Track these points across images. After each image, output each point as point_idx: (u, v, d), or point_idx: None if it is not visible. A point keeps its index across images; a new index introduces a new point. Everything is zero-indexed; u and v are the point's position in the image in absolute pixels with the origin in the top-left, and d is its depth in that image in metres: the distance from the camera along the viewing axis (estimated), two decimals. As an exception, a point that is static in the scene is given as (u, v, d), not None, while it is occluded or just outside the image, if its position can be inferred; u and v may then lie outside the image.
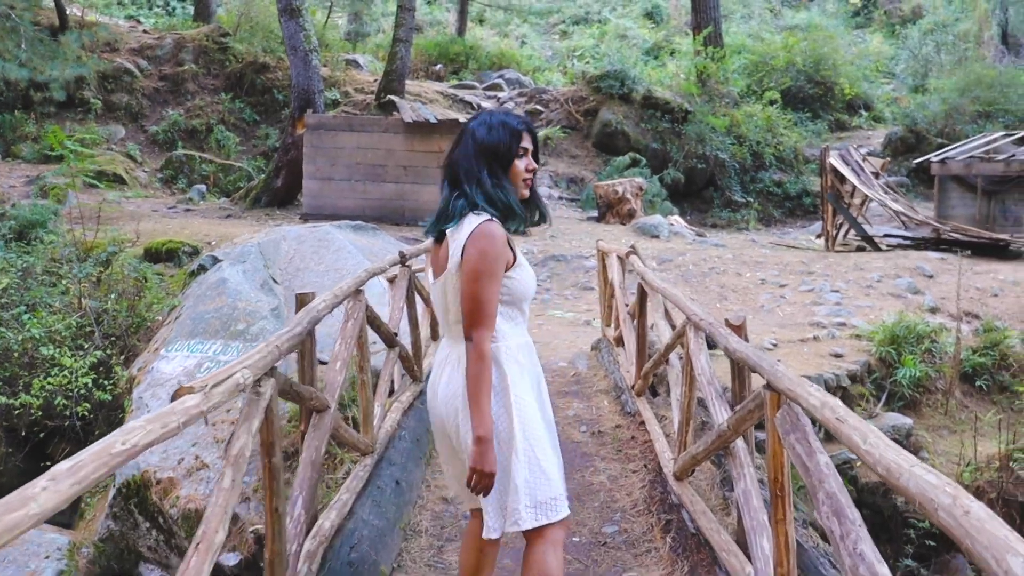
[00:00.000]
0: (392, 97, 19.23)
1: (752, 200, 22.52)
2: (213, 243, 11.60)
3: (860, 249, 16.49)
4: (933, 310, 11.22)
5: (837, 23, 36.02)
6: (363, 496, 4.74)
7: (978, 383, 9.70)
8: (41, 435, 8.57)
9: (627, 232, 16.48)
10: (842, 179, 17.02)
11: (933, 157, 18.25)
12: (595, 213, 18.85)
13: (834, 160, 17.13)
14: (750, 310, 11.21)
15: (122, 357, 9.06)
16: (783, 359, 8.56)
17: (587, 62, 30.27)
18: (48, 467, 1.73)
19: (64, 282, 9.87)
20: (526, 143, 3.06)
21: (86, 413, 8.27)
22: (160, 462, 7.00)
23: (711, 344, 4.66)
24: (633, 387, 6.98)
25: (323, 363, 5.30)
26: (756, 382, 4.07)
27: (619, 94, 22.97)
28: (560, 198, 20.29)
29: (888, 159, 21.39)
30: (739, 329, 4.01)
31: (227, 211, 16.75)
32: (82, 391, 8.25)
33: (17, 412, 8.17)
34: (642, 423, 6.34)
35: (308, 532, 3.90)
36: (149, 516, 6.85)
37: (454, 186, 3.01)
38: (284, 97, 21.59)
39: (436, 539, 4.89)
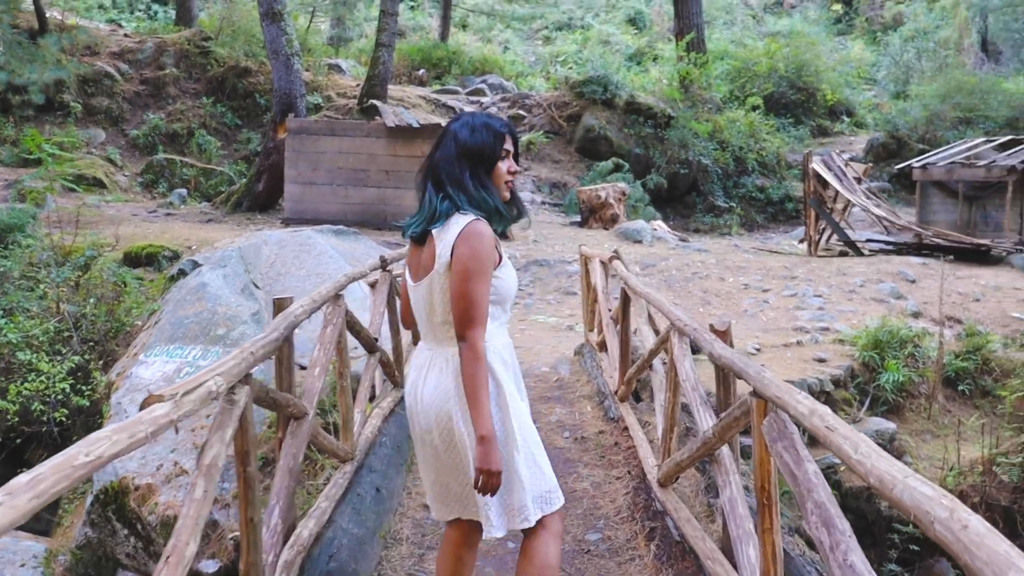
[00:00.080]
0: (374, 102, 19.15)
1: (735, 205, 22.55)
2: (193, 247, 11.49)
3: (843, 254, 16.54)
4: (916, 315, 11.24)
5: (819, 30, 36.20)
6: (343, 504, 4.66)
7: (961, 387, 9.72)
8: (18, 441, 8.45)
9: (610, 237, 16.45)
10: (825, 184, 17.07)
11: (915, 163, 18.33)
12: (578, 218, 18.83)
13: (817, 165, 17.17)
14: (733, 315, 11.19)
15: (101, 362, 8.97)
16: (766, 364, 8.53)
17: (570, 67, 30.32)
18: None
19: (42, 286, 9.75)
20: (508, 145, 3.06)
21: (64, 419, 8.18)
22: (139, 468, 6.92)
23: (694, 349, 4.62)
24: (616, 392, 6.92)
25: (304, 368, 5.23)
26: (741, 388, 4.03)
27: (602, 99, 22.97)
28: (543, 203, 20.25)
29: (870, 165, 21.46)
30: (724, 335, 3.95)
31: (208, 215, 16.62)
32: (60, 396, 8.16)
33: (-7, 418, 8.06)
34: (625, 429, 6.28)
35: (285, 542, 3.81)
36: (127, 523, 6.77)
37: (437, 188, 2.98)
38: (266, 101, 21.48)
39: (417, 547, 4.82)
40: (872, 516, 7.99)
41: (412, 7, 37.71)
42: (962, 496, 7.87)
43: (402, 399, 6.42)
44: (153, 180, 19.53)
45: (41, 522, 7.87)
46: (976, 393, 9.80)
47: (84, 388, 8.34)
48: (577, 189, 19.56)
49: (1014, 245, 15.82)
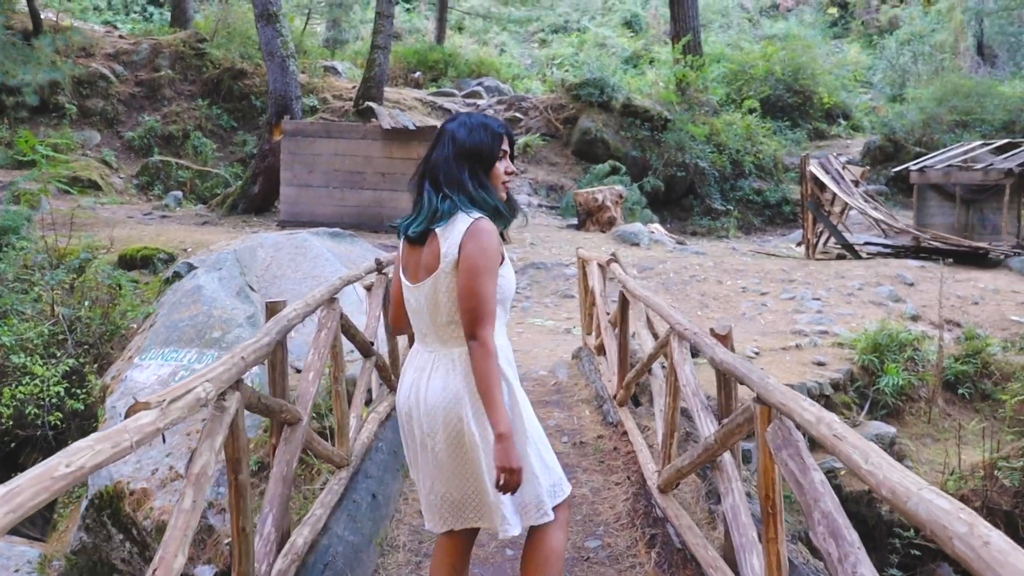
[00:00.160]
0: (370, 104, 19.09)
1: (732, 208, 22.50)
2: (189, 250, 11.42)
3: (840, 257, 16.49)
4: (914, 318, 11.19)
5: (815, 33, 36.18)
6: (338, 511, 4.58)
7: (960, 391, 9.67)
8: (12, 445, 8.41)
9: (607, 240, 16.39)
10: (822, 187, 17.02)
11: (912, 166, 18.28)
12: (575, 221, 18.76)
13: (814, 168, 17.13)
14: (731, 318, 11.13)
15: (95, 365, 8.92)
16: (765, 368, 8.48)
17: (566, 70, 30.24)
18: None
19: (36, 289, 9.68)
20: (505, 146, 3.04)
21: (58, 423, 8.12)
22: (134, 472, 6.88)
23: (693, 352, 4.55)
24: (615, 397, 6.85)
25: (300, 372, 5.16)
26: (742, 392, 3.96)
27: (598, 102, 22.91)
28: (540, 206, 20.17)
29: (867, 168, 21.42)
30: (725, 339, 3.88)
31: (203, 218, 16.55)
32: (54, 400, 8.09)
33: (-13, 422, 7.98)
34: (624, 433, 6.22)
35: (279, 550, 3.74)
36: (122, 528, 6.75)
37: (435, 188, 2.95)
38: (261, 103, 21.41)
39: (414, 554, 4.74)
40: (873, 521, 7.94)
41: (408, 9, 37.65)
42: (963, 500, 7.81)
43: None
44: (148, 182, 19.44)
45: (36, 526, 7.82)
46: (976, 397, 9.75)
47: (79, 391, 8.28)
48: (574, 192, 19.50)
49: (1011, 248, 15.79)
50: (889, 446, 8.42)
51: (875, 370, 9.31)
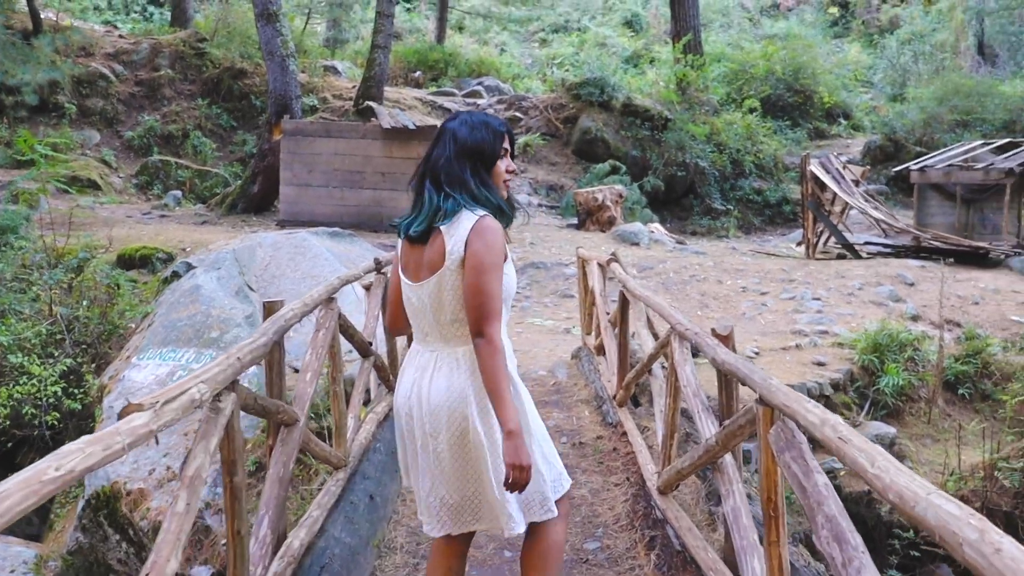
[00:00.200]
0: (370, 103, 19.05)
1: (732, 208, 22.46)
2: (188, 249, 11.40)
3: (841, 257, 16.46)
4: (915, 318, 11.16)
5: (815, 32, 36.13)
6: (335, 512, 4.55)
7: (960, 391, 9.64)
8: (9, 445, 8.36)
9: (607, 239, 16.36)
10: (823, 187, 16.99)
11: (912, 165, 18.25)
12: (575, 220, 18.73)
13: (815, 168, 17.10)
14: (731, 318, 11.10)
15: (93, 365, 8.89)
16: (765, 368, 8.43)
17: (567, 70, 30.20)
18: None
19: (34, 289, 9.65)
20: (506, 144, 3.03)
21: (56, 422, 8.09)
22: (131, 472, 6.85)
23: (694, 352, 4.52)
24: (615, 397, 6.82)
25: (298, 371, 5.13)
26: (743, 393, 3.93)
27: (599, 101, 22.87)
28: (540, 205, 20.14)
29: (868, 167, 21.38)
30: (726, 339, 3.85)
31: (203, 217, 16.51)
32: (51, 400, 8.06)
33: (-16, 421, 7.95)
34: (624, 434, 6.18)
35: (275, 553, 3.70)
36: (119, 528, 6.72)
37: (437, 187, 2.93)
38: (261, 103, 21.38)
39: (412, 556, 4.71)
40: (872, 522, 7.91)
41: (408, 9, 37.60)
42: (963, 501, 7.78)
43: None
44: (148, 182, 19.42)
45: (32, 526, 7.79)
46: (976, 397, 9.72)
47: (76, 391, 8.24)
48: (574, 191, 19.47)
49: (1012, 248, 15.76)
50: (889, 446, 8.39)
51: (875, 370, 9.28)
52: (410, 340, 3.34)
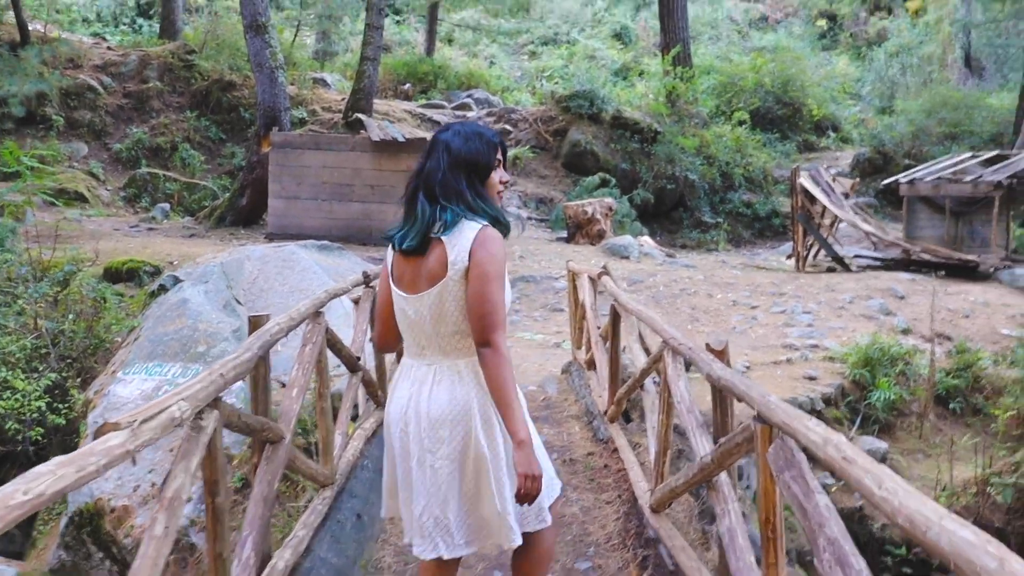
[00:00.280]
0: (360, 116, 18.98)
1: (722, 221, 22.46)
2: (175, 263, 11.31)
3: (831, 270, 16.45)
4: (906, 331, 11.13)
5: (804, 45, 36.26)
6: (321, 532, 4.46)
7: (952, 405, 9.62)
8: (-8, 460, 8.25)
9: (597, 252, 16.31)
10: (812, 199, 16.99)
11: (902, 178, 18.26)
12: (564, 233, 18.68)
13: (805, 180, 17.09)
14: (722, 332, 11.05)
15: (79, 380, 8.78)
16: (757, 382, 8.39)
17: (556, 82, 30.19)
18: None
19: (20, 302, 9.53)
20: (499, 155, 3.01)
21: (40, 438, 7.98)
22: (115, 489, 6.77)
23: (686, 366, 4.45)
24: (605, 413, 6.74)
25: (285, 386, 5.06)
26: (739, 409, 3.86)
27: (588, 114, 22.86)
28: (529, 218, 20.09)
29: (857, 180, 21.41)
30: (721, 354, 3.78)
31: (191, 230, 16.41)
32: (35, 415, 7.95)
33: (-35, 437, 7.85)
34: (615, 450, 6.11)
35: (259, 575, 3.61)
36: (102, 546, 6.64)
37: (431, 199, 2.88)
38: (250, 115, 21.30)
39: (400, 576, 4.63)
40: (864, 538, 7.85)
41: (398, 21, 37.58)
42: (956, 517, 7.74)
43: (385, 419, 6.24)
44: (136, 194, 19.30)
45: (15, 543, 7.67)
46: (967, 411, 9.69)
47: (61, 406, 8.13)
48: (563, 204, 19.42)
49: (1001, 261, 15.77)
50: (881, 462, 8.31)
51: (867, 384, 9.25)
52: (399, 356, 3.29)
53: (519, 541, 2.93)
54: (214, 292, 8.99)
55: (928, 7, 35.91)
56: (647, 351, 6.14)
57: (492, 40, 37.94)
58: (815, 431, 2.33)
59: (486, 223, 2.86)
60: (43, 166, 16.29)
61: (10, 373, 8.18)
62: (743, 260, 18.94)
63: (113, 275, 11.10)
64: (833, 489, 7.71)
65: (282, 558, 3.86)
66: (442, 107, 25.11)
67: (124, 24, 31.34)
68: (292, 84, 21.21)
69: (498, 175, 3.00)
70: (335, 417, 5.47)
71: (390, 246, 3.04)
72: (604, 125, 22.83)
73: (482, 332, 2.78)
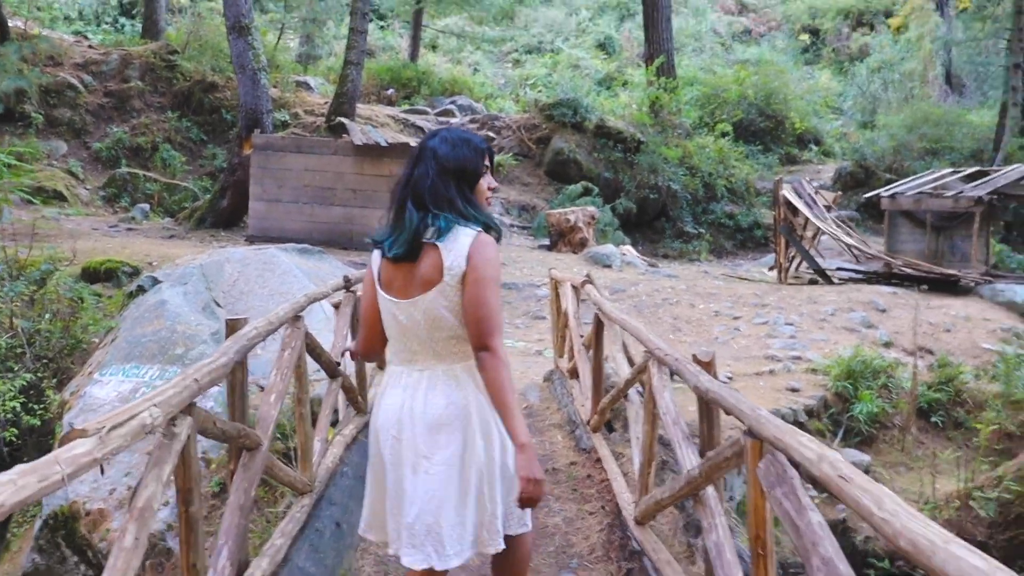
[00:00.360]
0: (342, 119, 18.89)
1: (704, 231, 22.49)
2: (154, 264, 11.18)
3: (812, 282, 16.47)
4: (887, 344, 11.13)
5: (787, 59, 36.49)
6: (299, 540, 4.35)
7: (933, 419, 9.59)
8: (-36, 461, 8.09)
9: (579, 261, 16.27)
10: (795, 211, 17.01)
11: (883, 192, 18.32)
12: (547, 241, 18.64)
13: (787, 192, 17.12)
14: (704, 342, 11.02)
15: (55, 380, 8.64)
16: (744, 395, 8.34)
17: (539, 90, 30.18)
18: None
19: (-6, 301, 9.39)
20: (487, 161, 2.98)
21: (14, 439, 7.83)
22: (90, 492, 6.65)
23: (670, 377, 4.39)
24: (588, 422, 6.66)
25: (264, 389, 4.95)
26: (725, 421, 3.80)
27: (572, 122, 22.84)
28: (512, 226, 20.03)
29: (839, 193, 21.51)
30: (708, 365, 3.71)
31: (171, 231, 16.26)
32: (10, 415, 7.80)
33: (-63, 437, 7.70)
34: (598, 460, 6.03)
35: (235, 584, 3.51)
36: (77, 550, 6.53)
37: (419, 207, 2.84)
38: (232, 117, 21.16)
39: (378, 586, 4.53)
40: (848, 550, 7.79)
41: (382, 27, 37.49)
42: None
43: (366, 426, 6.13)
44: (115, 194, 19.11)
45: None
46: (949, 425, 9.68)
47: (36, 407, 7.98)
48: (546, 212, 19.38)
49: (981, 276, 15.84)
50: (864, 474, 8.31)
51: (849, 397, 9.22)
52: (380, 365, 3.24)
53: (502, 546, 2.92)
54: (193, 294, 8.87)
55: (910, 24, 36.21)
56: (631, 361, 6.07)
57: (476, 47, 37.93)
58: (809, 447, 2.26)
59: (480, 229, 2.84)
60: (21, 163, 16.04)
61: (-16, 373, 8.05)
62: (725, 271, 18.95)
63: (91, 275, 10.99)
64: (816, 501, 7.66)
65: (259, 568, 3.75)
66: (425, 113, 25.03)
67: (106, 23, 31.13)
68: (275, 87, 21.10)
69: (486, 181, 2.97)
70: (314, 423, 5.37)
71: (376, 251, 2.99)
72: (587, 134, 22.81)
73: (480, 336, 2.77)
